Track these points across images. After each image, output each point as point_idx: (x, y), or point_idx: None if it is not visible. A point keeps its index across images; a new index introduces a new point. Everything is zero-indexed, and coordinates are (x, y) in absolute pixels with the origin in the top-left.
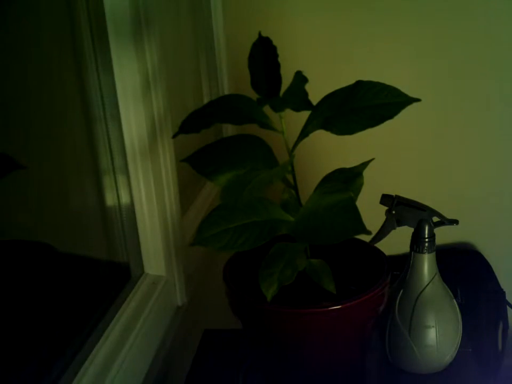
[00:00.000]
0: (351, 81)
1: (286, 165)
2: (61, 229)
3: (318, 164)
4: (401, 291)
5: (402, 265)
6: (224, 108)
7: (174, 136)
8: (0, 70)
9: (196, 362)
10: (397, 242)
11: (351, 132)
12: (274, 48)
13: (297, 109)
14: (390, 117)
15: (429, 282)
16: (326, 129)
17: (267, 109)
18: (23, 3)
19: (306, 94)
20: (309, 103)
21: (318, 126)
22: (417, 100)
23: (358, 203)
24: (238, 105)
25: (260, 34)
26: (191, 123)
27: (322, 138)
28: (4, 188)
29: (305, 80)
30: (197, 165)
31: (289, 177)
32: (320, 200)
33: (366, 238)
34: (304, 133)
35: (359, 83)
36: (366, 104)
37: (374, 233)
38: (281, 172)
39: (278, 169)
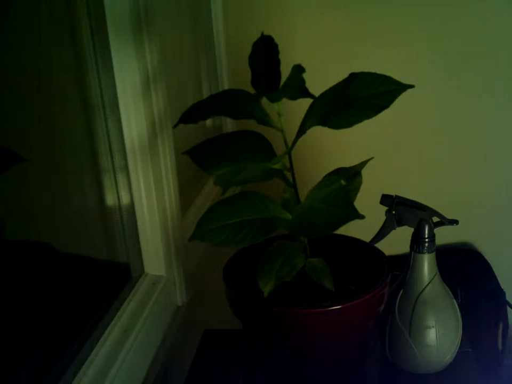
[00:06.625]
0: None
1: (280, 158)
2: (61, 228)
3: (318, 163)
4: (401, 291)
5: (402, 265)
6: (224, 101)
7: (175, 126)
8: (0, 69)
9: (196, 362)
10: (397, 242)
11: (348, 125)
12: (275, 46)
13: (293, 97)
14: (386, 106)
15: (429, 282)
16: (324, 124)
17: (267, 108)
18: (23, 3)
19: (303, 82)
20: (306, 90)
21: (316, 122)
22: (411, 86)
23: (358, 203)
24: (238, 99)
25: (262, 33)
26: (190, 114)
27: (322, 138)
28: (5, 185)
29: (302, 70)
30: (197, 158)
31: (289, 175)
32: (315, 195)
33: (366, 238)
34: (302, 130)
35: (352, 75)
36: (361, 95)
37: (373, 232)
38: (274, 163)
39: (272, 161)
